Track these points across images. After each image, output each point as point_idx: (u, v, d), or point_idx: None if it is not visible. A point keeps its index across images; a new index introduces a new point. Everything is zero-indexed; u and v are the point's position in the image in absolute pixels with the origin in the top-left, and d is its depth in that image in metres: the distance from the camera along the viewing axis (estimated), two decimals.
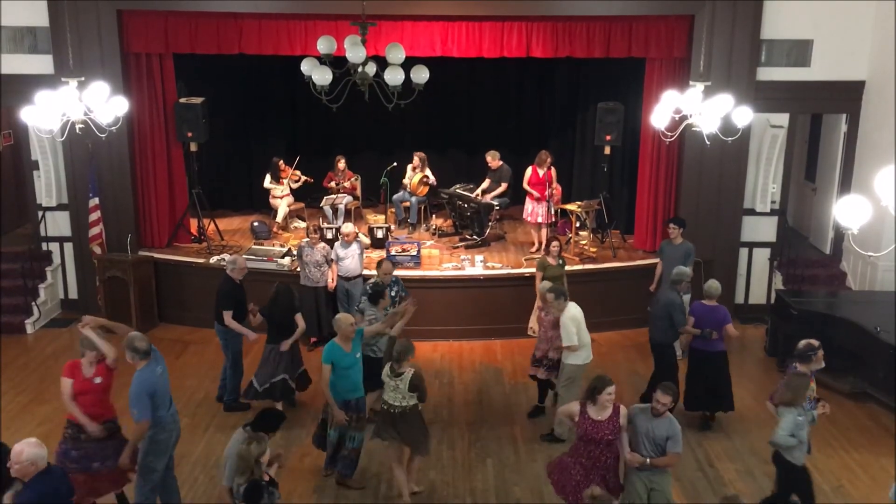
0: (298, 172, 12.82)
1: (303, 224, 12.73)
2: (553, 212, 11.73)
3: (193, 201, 11.83)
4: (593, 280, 10.95)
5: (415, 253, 11.19)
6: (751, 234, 11.59)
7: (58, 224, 11.56)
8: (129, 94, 10.27)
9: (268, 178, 12.73)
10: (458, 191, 12.55)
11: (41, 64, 10.83)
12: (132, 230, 11.23)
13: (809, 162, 12.96)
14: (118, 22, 10.75)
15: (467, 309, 10.75)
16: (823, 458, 7.95)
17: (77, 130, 7.79)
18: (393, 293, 8.71)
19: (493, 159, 12.37)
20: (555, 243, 9.83)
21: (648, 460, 6.14)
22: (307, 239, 10.30)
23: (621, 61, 11.36)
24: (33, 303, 11.18)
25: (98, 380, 6.52)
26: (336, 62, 7.62)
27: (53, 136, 7.69)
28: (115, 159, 11.13)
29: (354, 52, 7.30)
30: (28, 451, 5.25)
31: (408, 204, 12.91)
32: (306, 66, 7.55)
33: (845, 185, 11.47)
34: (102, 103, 7.77)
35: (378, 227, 11.96)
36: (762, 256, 11.71)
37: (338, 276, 10.19)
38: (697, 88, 7.88)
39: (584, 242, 11.90)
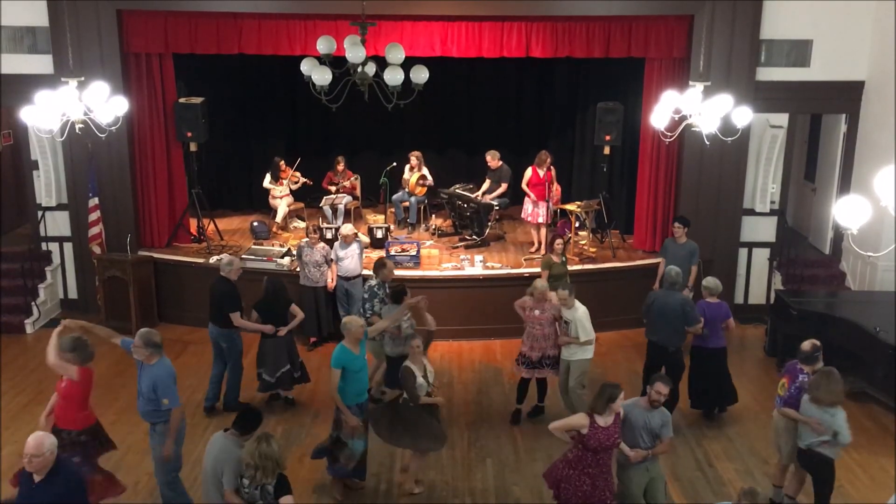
0: (298, 174, 12.82)
1: (302, 224, 12.74)
2: (551, 212, 11.73)
3: (193, 201, 11.83)
4: (593, 280, 10.95)
5: (414, 253, 11.19)
6: (750, 234, 11.60)
7: (57, 224, 11.56)
8: (128, 94, 10.27)
9: (268, 177, 12.73)
10: (457, 191, 12.55)
11: (41, 64, 10.83)
12: (132, 230, 11.23)
13: (809, 162, 12.97)
14: (118, 22, 10.75)
15: (467, 309, 10.75)
16: None
17: (77, 130, 7.81)
18: (381, 294, 8.72)
19: (493, 159, 12.37)
20: (558, 242, 9.89)
21: (650, 452, 6.32)
22: (307, 239, 10.31)
23: (621, 61, 11.37)
24: (33, 303, 11.18)
25: (63, 384, 6.52)
26: (336, 62, 7.62)
27: (53, 135, 7.68)
28: (115, 159, 11.13)
29: (354, 52, 7.30)
30: (48, 441, 5.28)
31: (407, 204, 12.92)
32: (306, 66, 7.54)
33: (845, 186, 11.48)
34: (102, 103, 7.77)
35: (378, 227, 11.97)
36: (762, 256, 11.72)
37: (337, 276, 10.20)
38: (697, 88, 7.89)
39: (583, 242, 11.91)
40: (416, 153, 12.87)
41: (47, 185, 11.34)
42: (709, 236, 11.06)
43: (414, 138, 13.58)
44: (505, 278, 10.85)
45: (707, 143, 8.53)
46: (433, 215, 13.20)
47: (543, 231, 11.64)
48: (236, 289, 8.74)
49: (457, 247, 11.94)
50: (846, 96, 11.19)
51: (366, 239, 11.77)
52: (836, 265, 11.71)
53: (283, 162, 12.76)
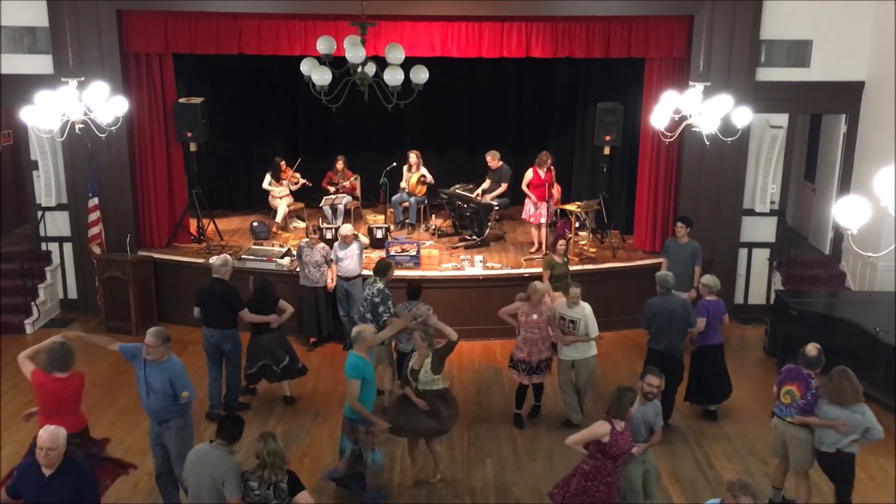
0: (298, 175, 12.82)
1: (302, 224, 12.74)
2: (552, 212, 11.73)
3: (193, 201, 11.83)
4: (593, 280, 10.93)
5: (414, 253, 11.19)
6: (750, 235, 11.60)
7: (57, 224, 11.56)
8: (128, 94, 10.28)
9: (267, 177, 12.73)
10: (457, 191, 12.55)
11: (41, 64, 10.83)
12: (132, 230, 11.24)
13: (809, 162, 12.97)
14: (118, 22, 10.75)
15: (467, 309, 10.74)
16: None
17: (77, 130, 7.80)
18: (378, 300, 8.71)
19: (493, 159, 12.37)
20: (561, 242, 9.91)
21: (649, 444, 6.50)
22: (307, 239, 10.32)
23: (621, 61, 11.36)
24: (33, 303, 11.18)
25: (51, 388, 6.46)
26: (336, 62, 7.61)
27: (53, 136, 7.68)
28: (115, 159, 11.13)
29: (354, 52, 7.29)
30: (61, 433, 5.29)
31: (407, 204, 12.91)
32: (306, 67, 7.54)
33: (845, 186, 11.48)
34: (102, 103, 7.77)
35: (377, 228, 11.96)
36: (761, 257, 11.72)
37: (337, 276, 10.19)
38: (697, 89, 7.89)
39: (583, 243, 11.91)
40: (415, 152, 12.87)
41: (47, 185, 11.34)
42: (709, 236, 11.05)
43: (414, 138, 13.57)
44: (505, 278, 10.85)
45: (707, 143, 8.52)
46: (433, 215, 13.20)
47: (544, 231, 11.64)
48: (234, 287, 8.80)
49: (457, 247, 11.93)
50: (846, 96, 11.19)
51: (365, 239, 11.76)
52: (836, 265, 11.71)
53: (283, 162, 12.76)
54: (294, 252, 10.76)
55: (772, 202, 11.49)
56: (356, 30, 7.51)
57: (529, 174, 11.71)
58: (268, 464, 5.45)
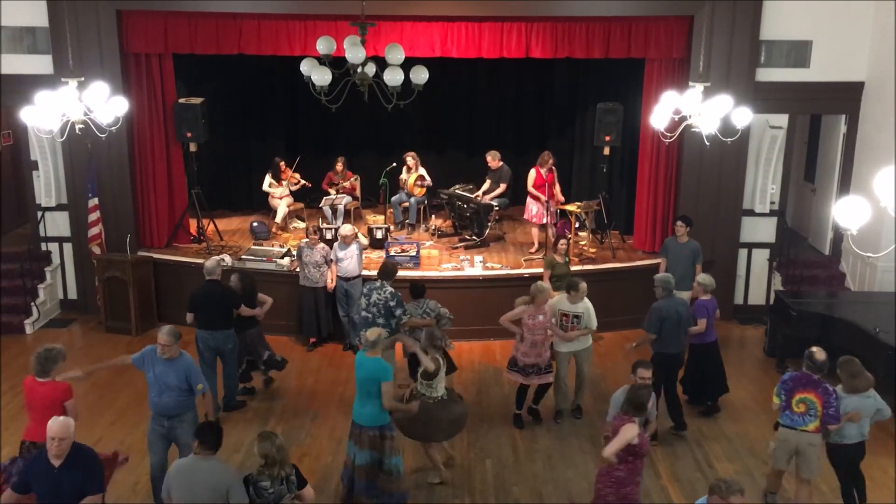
0: (297, 176, 12.82)
1: (302, 224, 12.74)
2: (552, 212, 11.72)
3: (193, 201, 11.83)
4: (593, 280, 10.83)
5: (414, 253, 11.19)
6: (750, 235, 11.60)
7: (57, 224, 11.56)
8: (128, 94, 10.27)
9: (267, 178, 12.73)
10: (457, 191, 12.55)
11: (41, 64, 10.83)
12: (131, 230, 11.24)
13: (809, 163, 12.97)
14: (118, 22, 10.75)
15: (466, 309, 10.72)
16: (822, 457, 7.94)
17: (77, 130, 7.80)
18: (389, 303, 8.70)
19: (493, 160, 12.36)
20: (562, 242, 9.92)
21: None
22: (306, 239, 10.32)
23: (621, 62, 11.36)
24: (32, 303, 11.18)
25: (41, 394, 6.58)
26: (335, 62, 7.61)
27: (53, 136, 7.69)
28: (115, 159, 11.13)
29: (354, 52, 7.30)
30: (70, 423, 5.35)
31: (406, 205, 12.91)
32: (306, 67, 7.53)
33: (844, 186, 11.48)
34: (102, 103, 7.77)
35: (377, 228, 11.96)
36: (761, 257, 11.72)
37: (337, 276, 10.19)
38: (697, 89, 7.89)
39: (583, 243, 11.90)
40: (412, 153, 12.86)
41: (47, 185, 11.34)
42: (708, 237, 11.05)
43: (414, 138, 13.58)
44: (505, 279, 10.85)
45: (707, 143, 8.52)
46: (433, 216, 13.19)
47: (547, 231, 11.63)
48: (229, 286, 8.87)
49: (456, 247, 11.93)
50: (846, 97, 11.19)
51: (365, 240, 11.76)
52: (836, 266, 11.71)
53: (283, 162, 12.76)
54: (294, 252, 10.76)
55: (771, 202, 11.49)
56: (356, 30, 7.51)
57: (533, 174, 11.68)
58: (277, 460, 5.46)
